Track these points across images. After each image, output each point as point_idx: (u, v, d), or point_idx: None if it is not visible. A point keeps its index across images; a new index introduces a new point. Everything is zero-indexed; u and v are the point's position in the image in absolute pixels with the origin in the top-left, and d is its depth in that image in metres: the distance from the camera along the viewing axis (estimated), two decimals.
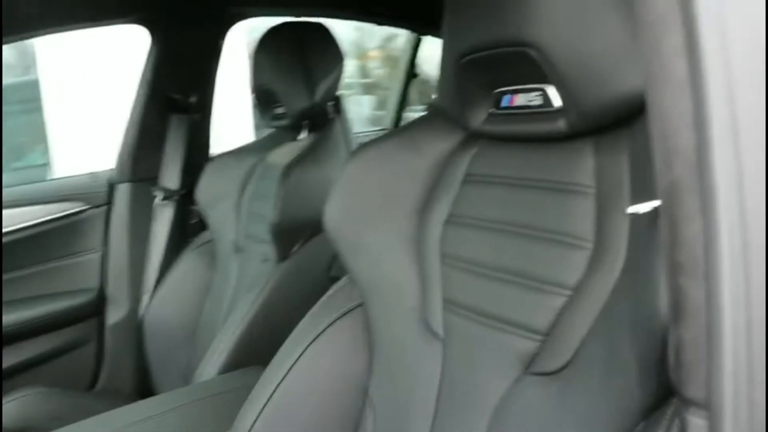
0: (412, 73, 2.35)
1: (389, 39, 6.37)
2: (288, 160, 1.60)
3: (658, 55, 0.35)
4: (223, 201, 1.75)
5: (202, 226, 1.83)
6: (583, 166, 0.73)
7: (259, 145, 1.84)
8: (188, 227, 1.88)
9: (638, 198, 0.64)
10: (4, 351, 1.61)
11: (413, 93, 2.33)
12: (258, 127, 5.06)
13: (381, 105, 5.83)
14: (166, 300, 1.73)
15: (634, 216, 0.64)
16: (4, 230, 1.70)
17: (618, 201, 0.67)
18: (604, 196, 0.69)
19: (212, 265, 1.74)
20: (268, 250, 1.53)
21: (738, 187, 0.33)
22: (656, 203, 0.53)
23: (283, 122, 1.64)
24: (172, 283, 1.74)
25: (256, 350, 1.34)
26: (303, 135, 1.72)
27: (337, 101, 1.68)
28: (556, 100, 0.73)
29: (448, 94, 0.87)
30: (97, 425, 1.18)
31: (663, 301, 0.50)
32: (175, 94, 1.83)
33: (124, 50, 2.72)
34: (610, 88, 0.68)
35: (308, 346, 0.93)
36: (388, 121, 2.46)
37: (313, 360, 0.93)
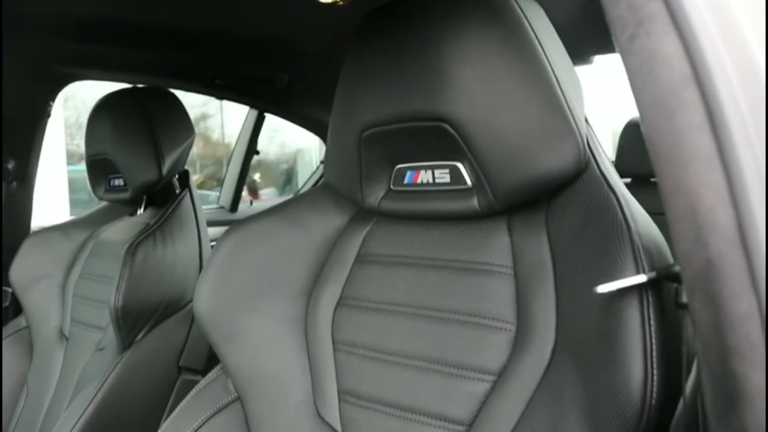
0: (254, 150, 2.29)
1: (203, 118, 6.16)
2: (126, 237, 1.46)
3: (671, 133, 0.34)
4: (44, 281, 1.54)
5: (16, 310, 1.60)
6: (497, 245, 0.72)
7: (91, 219, 1.67)
8: None
9: (567, 279, 0.64)
10: None
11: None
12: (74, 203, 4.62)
13: (200, 184, 5.63)
14: None
15: (565, 296, 0.63)
16: None
17: (541, 282, 0.66)
18: (523, 276, 0.68)
19: (28, 355, 1.51)
20: (104, 337, 1.36)
21: None
22: (623, 283, 0.52)
23: (122, 195, 1.50)
24: None
25: None
26: (141, 210, 1.59)
27: (184, 175, 1.58)
28: (468, 178, 0.72)
29: (343, 169, 0.83)
30: None
31: (636, 378, 0.50)
32: None
33: None
34: (527, 167, 0.67)
35: None
36: (225, 200, 2.34)
37: None
